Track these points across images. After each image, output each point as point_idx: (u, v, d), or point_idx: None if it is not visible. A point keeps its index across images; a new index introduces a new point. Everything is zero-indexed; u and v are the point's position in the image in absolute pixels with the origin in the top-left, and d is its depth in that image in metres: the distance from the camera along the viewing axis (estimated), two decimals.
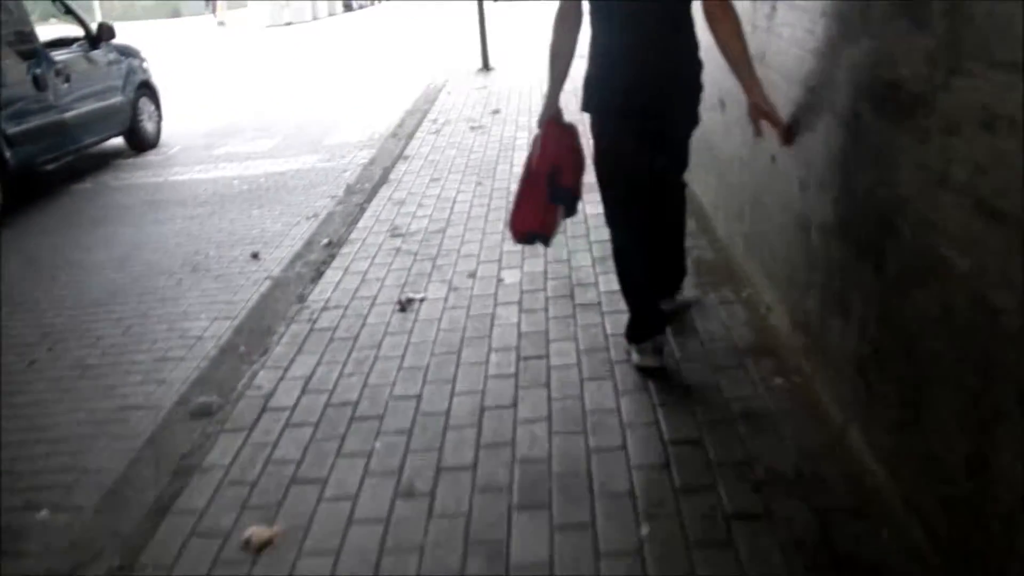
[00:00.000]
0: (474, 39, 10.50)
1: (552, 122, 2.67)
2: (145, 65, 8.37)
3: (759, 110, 2.46)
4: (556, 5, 2.56)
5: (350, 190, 5.62)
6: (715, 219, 3.94)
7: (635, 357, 2.73)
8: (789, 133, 2.50)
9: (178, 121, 9.39)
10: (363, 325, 3.28)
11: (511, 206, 2.81)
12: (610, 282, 3.45)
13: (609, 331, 2.99)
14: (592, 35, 2.55)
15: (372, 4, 36.21)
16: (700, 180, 4.33)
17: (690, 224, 3.99)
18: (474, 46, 10.49)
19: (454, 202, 4.92)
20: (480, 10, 10.02)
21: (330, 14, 30.49)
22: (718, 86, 3.35)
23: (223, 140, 8.31)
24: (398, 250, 4.17)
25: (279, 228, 5.22)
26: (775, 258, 2.94)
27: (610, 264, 2.94)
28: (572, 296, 3.35)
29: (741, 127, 3.23)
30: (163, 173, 7.15)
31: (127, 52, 8.10)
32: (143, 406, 2.98)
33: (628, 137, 2.54)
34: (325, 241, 4.42)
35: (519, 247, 3.96)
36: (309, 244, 4.49)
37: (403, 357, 2.95)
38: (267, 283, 4.18)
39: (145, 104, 8.16)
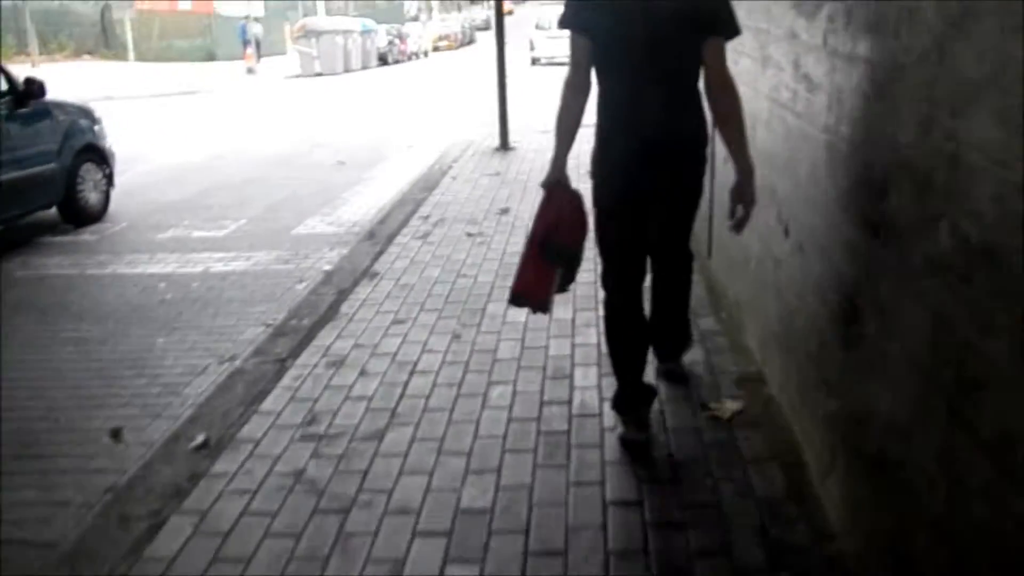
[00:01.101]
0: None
1: (555, 185, 2.60)
2: (97, 127, 7.05)
3: (743, 195, 2.52)
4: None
5: (283, 325, 4.10)
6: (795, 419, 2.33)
7: (620, 429, 2.73)
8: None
9: (148, 187, 8.15)
10: None
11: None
12: None
13: None
14: (598, 103, 2.54)
15: (409, 60, 35.46)
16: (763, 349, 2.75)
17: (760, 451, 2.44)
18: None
19: (412, 371, 3.36)
20: (500, 81, 8.56)
21: (364, 67, 29.61)
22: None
23: (180, 217, 6.91)
24: (299, 476, 2.60)
25: (174, 377, 3.71)
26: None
27: None
28: None
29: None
30: (84, 262, 5.72)
31: (71, 111, 6.79)
32: None
33: (626, 202, 2.55)
34: (199, 440, 2.87)
35: (488, 501, 2.40)
36: (176, 440, 2.94)
37: None
38: (105, 498, 2.66)
39: (89, 172, 6.80)
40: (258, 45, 30.04)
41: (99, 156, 6.99)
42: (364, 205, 7.05)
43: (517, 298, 2.71)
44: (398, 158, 9.43)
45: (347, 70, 27.77)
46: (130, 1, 32.00)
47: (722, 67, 2.43)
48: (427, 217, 5.97)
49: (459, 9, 55.87)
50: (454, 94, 17.59)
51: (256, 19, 32.19)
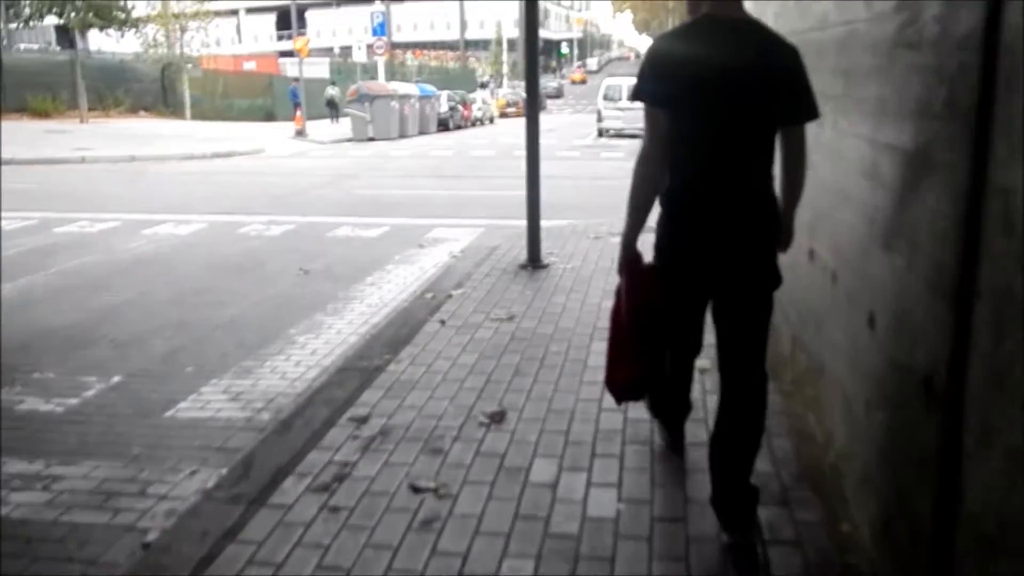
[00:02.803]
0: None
1: (631, 264, 2.50)
2: None
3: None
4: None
5: None
6: None
7: (724, 536, 2.46)
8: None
9: (59, 294, 6.11)
10: None
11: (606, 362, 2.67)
12: None
13: None
14: (669, 177, 2.42)
15: (472, 126, 33.75)
16: None
17: None
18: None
19: None
20: (531, 178, 5.90)
21: (421, 132, 27.93)
22: None
23: (42, 360, 4.64)
24: None
25: None
26: None
27: None
28: None
29: None
30: None
31: None
32: None
33: (694, 280, 2.43)
34: None
35: None
36: None
37: None
38: None
39: None
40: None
41: None
42: (303, 361, 4.59)
43: (624, 390, 2.68)
44: (395, 266, 7.01)
45: (402, 135, 26.14)
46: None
47: (802, 151, 2.41)
48: (364, 421, 3.41)
49: None
50: (507, 166, 15.29)
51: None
